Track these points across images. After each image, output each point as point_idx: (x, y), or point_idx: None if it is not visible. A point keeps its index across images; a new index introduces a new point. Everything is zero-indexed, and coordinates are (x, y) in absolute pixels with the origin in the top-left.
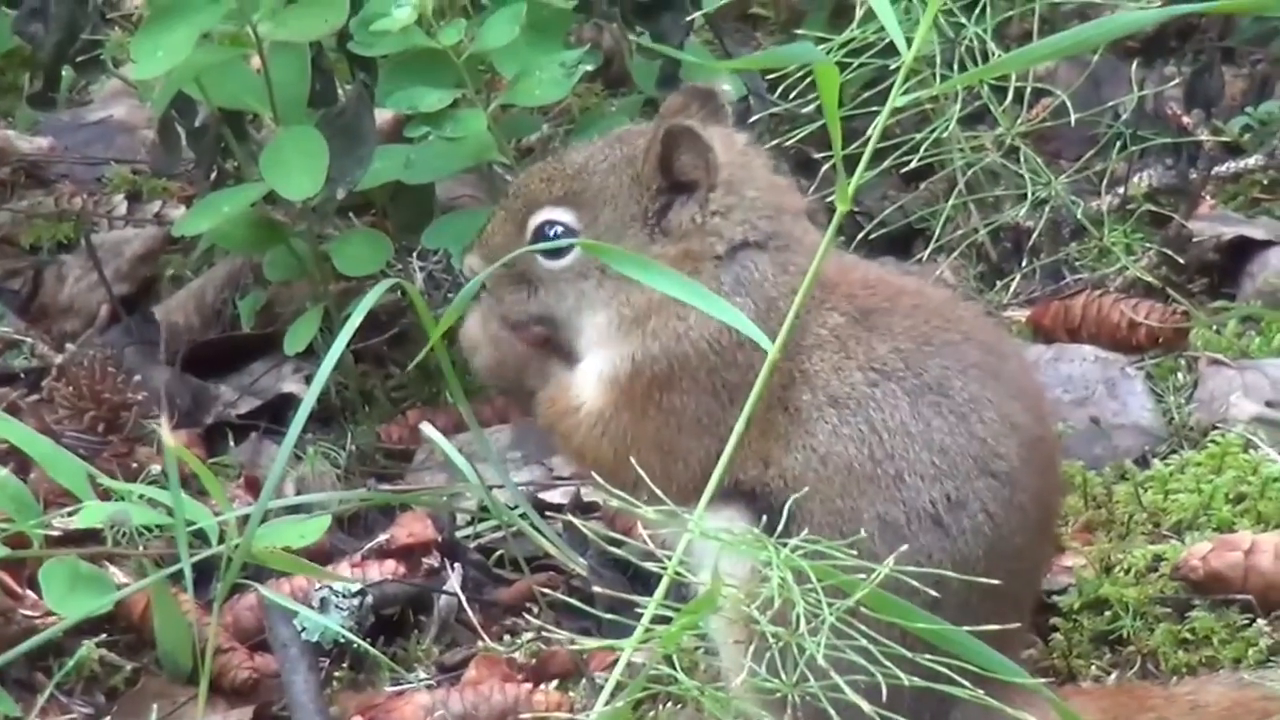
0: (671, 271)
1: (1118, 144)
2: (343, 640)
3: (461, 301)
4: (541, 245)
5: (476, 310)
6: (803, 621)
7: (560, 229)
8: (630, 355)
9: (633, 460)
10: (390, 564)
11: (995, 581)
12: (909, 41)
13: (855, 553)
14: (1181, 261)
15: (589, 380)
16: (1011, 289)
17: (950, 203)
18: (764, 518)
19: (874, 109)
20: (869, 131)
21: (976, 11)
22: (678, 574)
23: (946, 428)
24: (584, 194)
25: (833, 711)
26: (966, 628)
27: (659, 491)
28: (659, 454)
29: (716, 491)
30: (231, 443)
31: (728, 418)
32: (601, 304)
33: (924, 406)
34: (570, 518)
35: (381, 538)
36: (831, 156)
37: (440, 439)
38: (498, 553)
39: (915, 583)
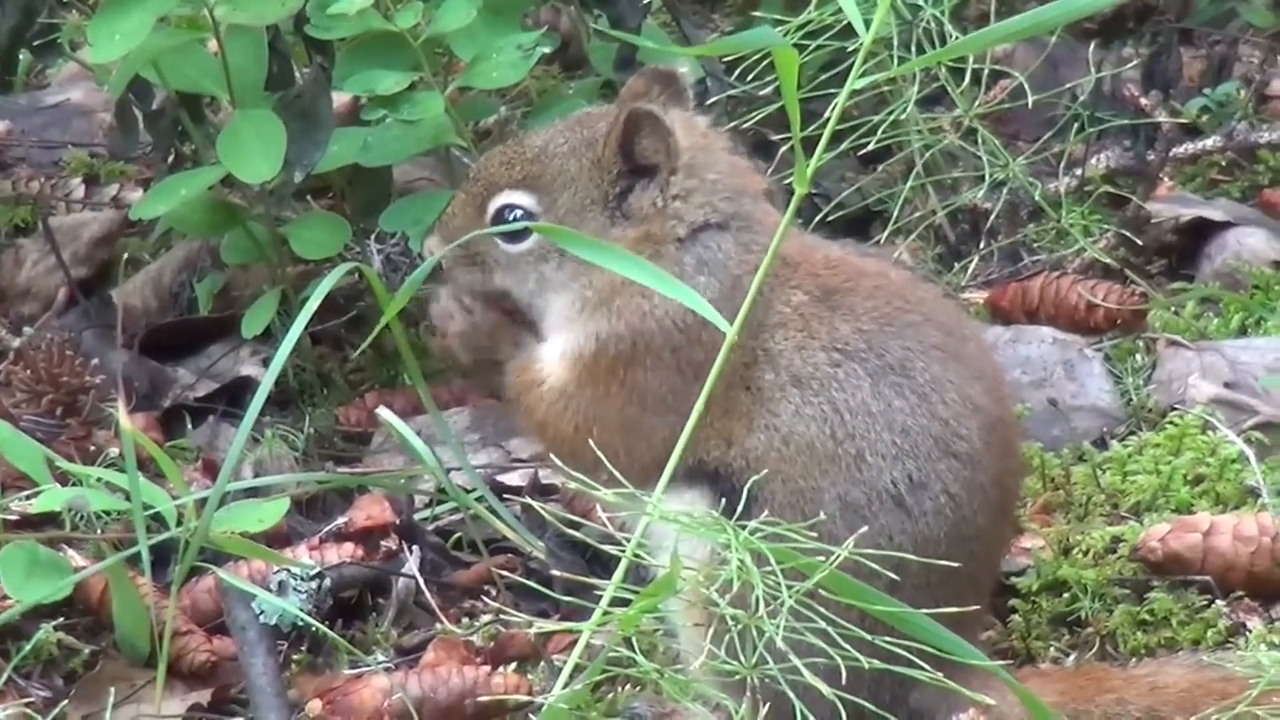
0: (628, 254)
1: (1076, 126)
2: (301, 623)
3: (415, 281)
4: (499, 229)
5: (447, 286)
6: (762, 604)
7: (520, 212)
8: (595, 334)
9: (595, 437)
10: (348, 547)
11: (955, 564)
12: (867, 24)
13: (815, 535)
14: (1140, 243)
15: (553, 357)
16: (970, 270)
17: (908, 184)
18: (725, 499)
19: (831, 91)
20: (827, 113)
21: None
22: (637, 556)
23: (908, 408)
24: (544, 177)
25: (791, 693)
26: (925, 610)
27: (620, 471)
28: (622, 432)
29: (678, 471)
30: (189, 426)
31: (691, 395)
32: (562, 286)
33: (886, 387)
34: (528, 500)
35: (339, 521)
36: (789, 138)
37: (397, 422)
38: (456, 535)
39: (875, 566)
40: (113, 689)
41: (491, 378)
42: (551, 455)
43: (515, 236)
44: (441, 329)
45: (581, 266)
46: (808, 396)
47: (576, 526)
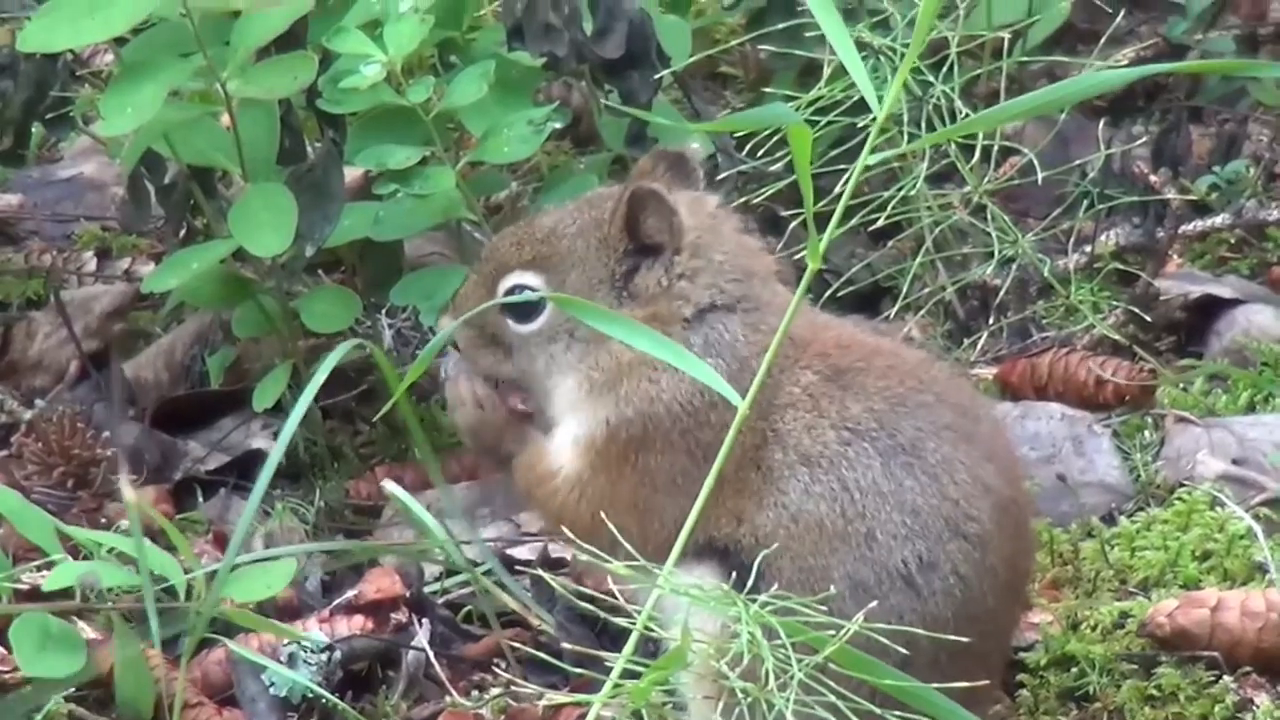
0: (637, 324)
1: (1085, 202)
2: (311, 695)
3: (425, 358)
4: (505, 299)
5: (463, 371)
6: (771, 677)
7: (529, 293)
8: (605, 419)
9: (610, 520)
10: (358, 619)
11: (965, 639)
12: (879, 100)
13: (825, 609)
14: (1148, 320)
15: (564, 445)
16: (979, 347)
17: (918, 260)
18: (735, 575)
19: (841, 167)
20: (838, 188)
21: (944, 70)
22: (647, 629)
23: (919, 488)
24: (552, 258)
25: None
26: (935, 686)
27: (634, 550)
28: (635, 514)
29: (689, 547)
30: (200, 498)
31: (702, 475)
32: (570, 367)
33: (896, 467)
34: (538, 573)
35: (350, 593)
36: (800, 214)
37: (404, 495)
38: (466, 608)
39: (886, 640)
40: None
41: (501, 464)
42: (569, 536)
43: (525, 317)
44: (451, 411)
45: (590, 348)
46: (817, 475)
47: (587, 599)
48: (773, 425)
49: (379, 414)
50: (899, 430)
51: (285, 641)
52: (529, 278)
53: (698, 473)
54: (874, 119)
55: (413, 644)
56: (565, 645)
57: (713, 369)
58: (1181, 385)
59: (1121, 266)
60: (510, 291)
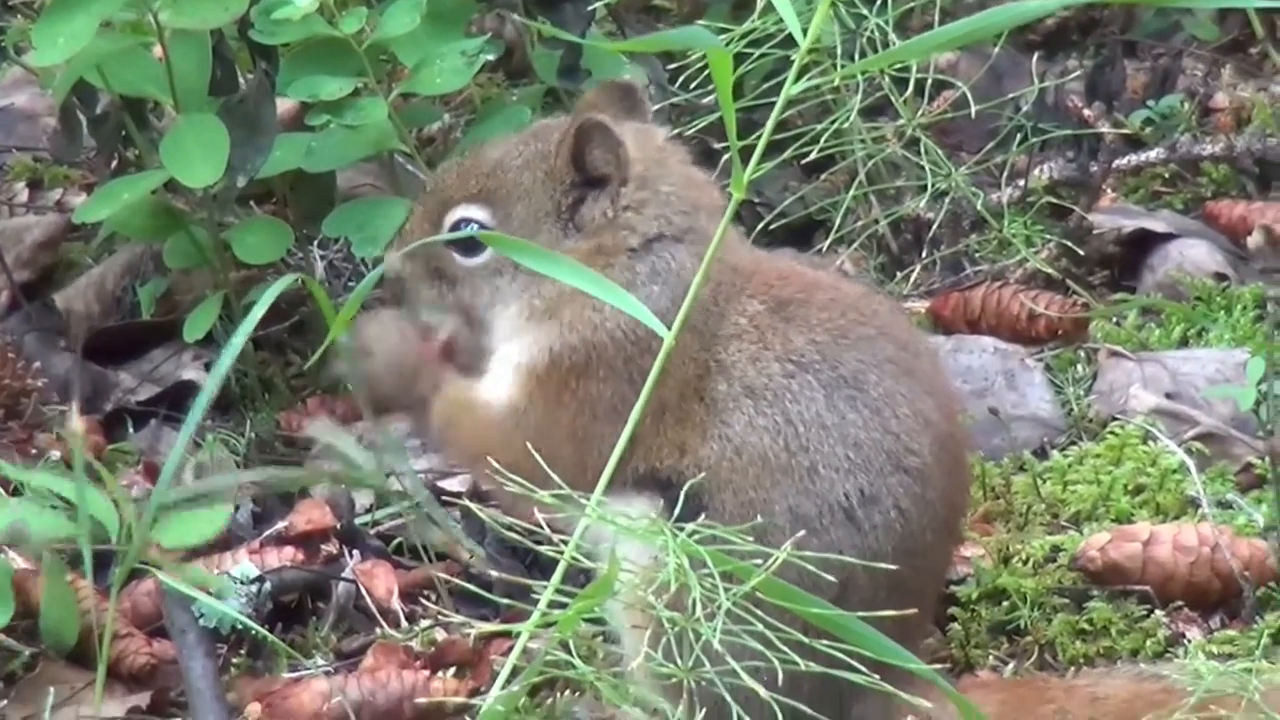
0: (575, 264)
1: (1019, 136)
2: (241, 627)
3: (362, 291)
4: (449, 235)
5: (381, 313)
6: (699, 607)
7: (474, 226)
8: (548, 346)
9: (546, 449)
10: (289, 551)
11: (903, 575)
12: (806, 31)
13: (752, 539)
14: (1082, 254)
15: (503, 372)
16: (912, 280)
17: (851, 194)
18: (675, 507)
19: (773, 100)
20: (768, 122)
21: (878, 4)
22: (575, 559)
23: (861, 422)
24: (498, 191)
25: (730, 698)
26: (867, 618)
27: (571, 481)
28: (574, 443)
29: (629, 477)
30: (131, 429)
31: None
32: (514, 297)
33: (839, 400)
34: (468, 504)
35: (280, 525)
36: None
37: (331, 433)
38: (396, 540)
39: (825, 574)
40: (52, 691)
41: (411, 409)
42: (493, 472)
43: (471, 250)
44: (368, 345)
45: (534, 279)
46: (761, 407)
47: (515, 530)
48: (716, 356)
49: (319, 350)
50: (841, 363)
51: (215, 573)
52: (474, 211)
53: (637, 401)
54: (801, 49)
55: (343, 575)
56: (495, 576)
57: (658, 297)
58: (1114, 319)
59: (1055, 201)
60: (456, 225)
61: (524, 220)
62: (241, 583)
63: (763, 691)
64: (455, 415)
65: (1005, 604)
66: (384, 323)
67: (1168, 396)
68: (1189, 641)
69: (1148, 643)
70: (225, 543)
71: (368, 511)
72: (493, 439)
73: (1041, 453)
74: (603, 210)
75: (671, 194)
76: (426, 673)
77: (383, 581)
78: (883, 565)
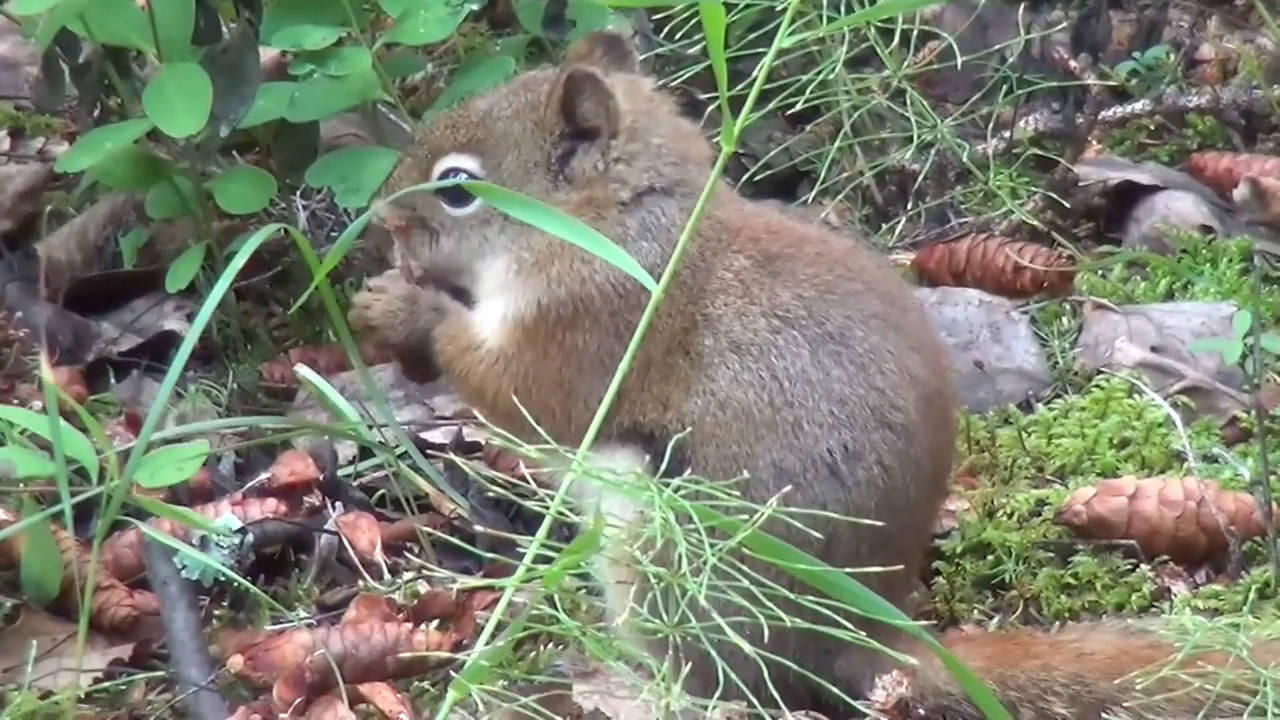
0: (566, 217)
1: (1004, 88)
2: (223, 578)
3: (345, 241)
4: (438, 184)
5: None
6: (684, 562)
7: (464, 176)
8: (536, 299)
9: (532, 399)
10: (271, 503)
11: (881, 524)
12: None
13: (738, 494)
14: (1067, 206)
15: (490, 320)
16: (897, 232)
17: (836, 145)
18: (659, 461)
19: (760, 51)
20: (754, 73)
21: None
22: (560, 514)
23: (846, 377)
24: (487, 141)
25: (715, 653)
26: (852, 572)
27: (557, 433)
28: (559, 394)
29: (614, 431)
30: (113, 380)
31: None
32: (503, 249)
33: (825, 355)
34: (452, 457)
35: (263, 476)
36: (716, 98)
37: (317, 380)
38: (380, 492)
39: (808, 529)
40: (34, 643)
41: (417, 357)
42: (486, 417)
43: (460, 200)
44: (365, 304)
45: (523, 230)
46: (746, 362)
47: (500, 483)
48: (703, 310)
49: (300, 299)
50: (828, 318)
51: None
52: (464, 161)
53: (624, 354)
54: (790, 1)
55: (325, 527)
56: (479, 529)
57: (648, 252)
58: (1100, 272)
59: (1040, 152)
60: (445, 174)
61: (513, 171)
62: (224, 535)
63: (747, 647)
64: (451, 354)
65: (990, 558)
66: (384, 276)
67: (1153, 350)
68: (1175, 596)
69: (1133, 597)
70: (208, 494)
71: (351, 463)
72: (480, 381)
73: (1026, 406)
74: (593, 163)
75: (662, 146)
76: (409, 626)
77: (365, 534)
78: (866, 521)
